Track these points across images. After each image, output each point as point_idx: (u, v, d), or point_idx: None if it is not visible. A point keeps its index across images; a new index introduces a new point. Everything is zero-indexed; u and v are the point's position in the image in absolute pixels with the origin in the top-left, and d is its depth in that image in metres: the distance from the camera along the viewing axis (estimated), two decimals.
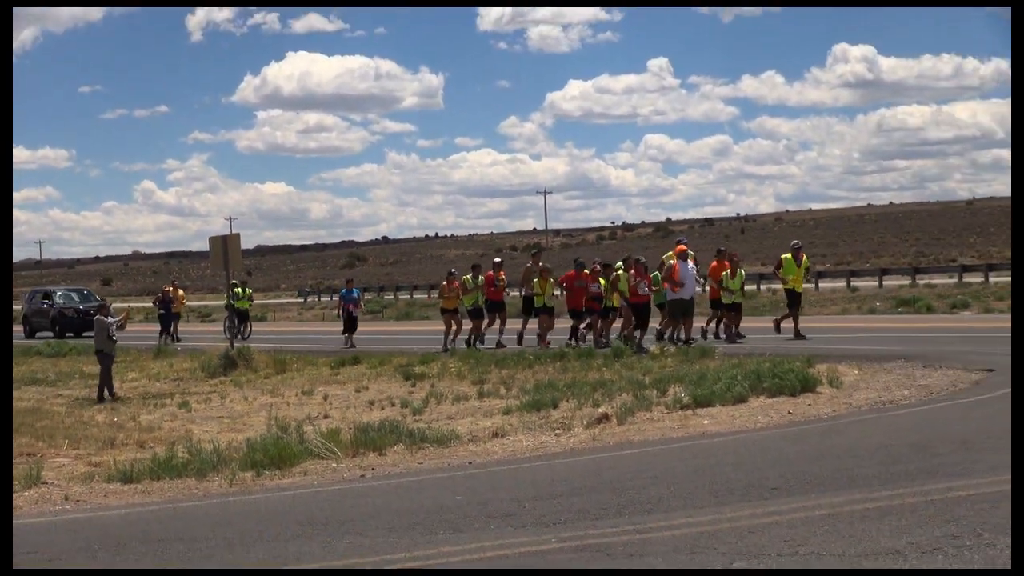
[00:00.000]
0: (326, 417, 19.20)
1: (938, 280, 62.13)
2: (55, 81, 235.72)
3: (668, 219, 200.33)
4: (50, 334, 51.62)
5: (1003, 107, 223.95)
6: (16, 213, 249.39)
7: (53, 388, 28.78)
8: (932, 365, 21.01)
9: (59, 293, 59.25)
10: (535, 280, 31.09)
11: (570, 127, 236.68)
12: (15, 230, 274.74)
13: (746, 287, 34.01)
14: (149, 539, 10.21)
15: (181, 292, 46.67)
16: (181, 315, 46.11)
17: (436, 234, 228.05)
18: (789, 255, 30.97)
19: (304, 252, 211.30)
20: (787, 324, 30.64)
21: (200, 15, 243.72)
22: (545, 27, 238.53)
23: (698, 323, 30.36)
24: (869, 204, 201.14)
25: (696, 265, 30.41)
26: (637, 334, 28.49)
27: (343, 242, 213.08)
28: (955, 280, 60.91)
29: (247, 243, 50.46)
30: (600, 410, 16.97)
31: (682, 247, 29.60)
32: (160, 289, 49.38)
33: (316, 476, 13.33)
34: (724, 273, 29.95)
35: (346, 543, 9.49)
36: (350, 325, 38.04)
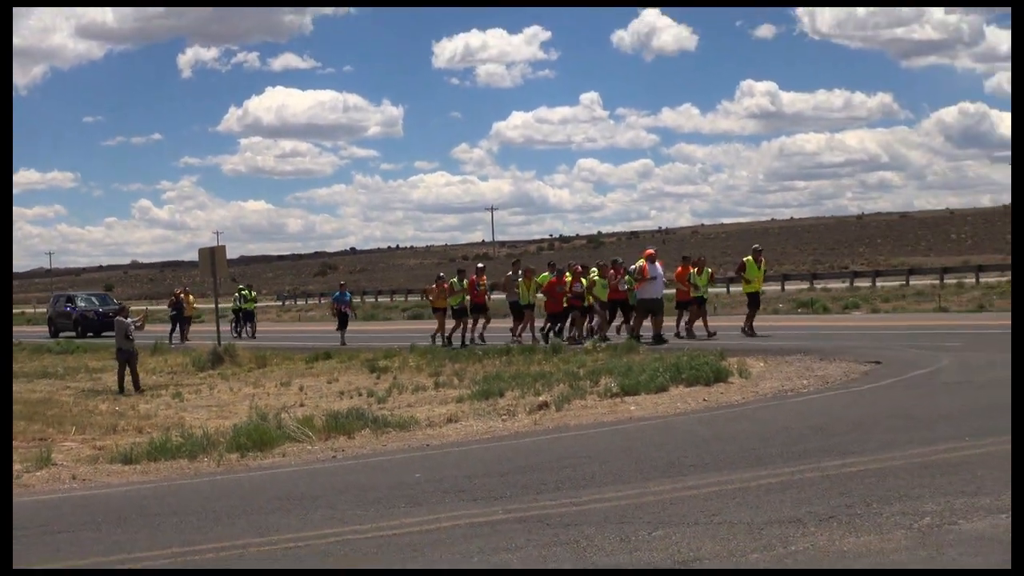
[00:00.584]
0: (301, 405, 19.18)
1: (832, 285, 62.41)
2: (62, 112, 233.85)
3: (599, 232, 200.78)
4: (72, 334, 50.84)
5: (887, 135, 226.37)
6: (28, 228, 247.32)
7: (62, 381, 28.61)
8: (828, 358, 21.13)
9: (81, 297, 58.44)
10: (519, 281, 30.69)
11: (513, 152, 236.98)
12: (28, 243, 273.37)
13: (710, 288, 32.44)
14: (147, 513, 10.20)
15: (191, 297, 46.35)
16: (192, 318, 45.59)
17: (397, 246, 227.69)
18: (751, 257, 29.79)
19: (281, 261, 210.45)
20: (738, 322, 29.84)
21: (190, 54, 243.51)
22: (491, 65, 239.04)
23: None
24: (772, 219, 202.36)
25: (662, 268, 29.13)
26: (614, 327, 28.42)
27: (316, 253, 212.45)
28: (847, 284, 61.20)
29: (232, 253, 50.46)
30: (540, 398, 17.00)
31: (651, 252, 28.69)
32: (172, 293, 48.92)
33: (293, 457, 13.31)
34: (692, 271, 28.98)
35: (319, 515, 9.50)
36: (343, 323, 37.63)
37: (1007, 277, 56.51)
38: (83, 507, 10.71)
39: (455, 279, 32.40)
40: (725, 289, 58.46)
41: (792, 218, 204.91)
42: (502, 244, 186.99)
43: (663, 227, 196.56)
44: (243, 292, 46.96)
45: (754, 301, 29.55)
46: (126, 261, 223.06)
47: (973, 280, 56.10)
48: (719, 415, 15.02)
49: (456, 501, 9.75)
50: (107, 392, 24.74)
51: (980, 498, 8.47)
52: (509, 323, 32.41)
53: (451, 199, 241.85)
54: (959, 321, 32.30)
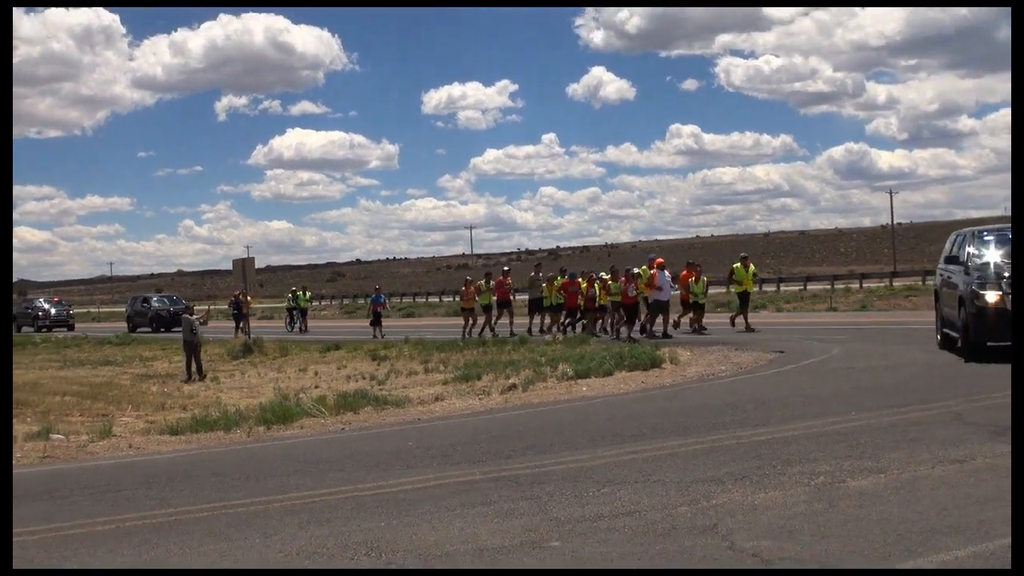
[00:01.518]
0: (316, 387, 19.10)
1: None
2: (122, 148, 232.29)
3: (557, 247, 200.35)
4: (148, 329, 50.33)
5: (788, 168, 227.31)
6: (93, 243, 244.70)
7: (120, 368, 28.45)
8: (741, 348, 21.20)
9: (155, 298, 57.47)
10: (543, 285, 29.80)
11: (487, 182, 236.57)
12: (93, 255, 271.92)
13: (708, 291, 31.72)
14: (190, 475, 10.17)
15: (249, 298, 45.93)
16: (249, 315, 44.95)
17: (394, 257, 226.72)
18: (739, 264, 28.64)
19: (300, 270, 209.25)
20: (737, 320, 28.48)
21: (224, 101, 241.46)
22: (469, 111, 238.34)
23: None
24: (697, 236, 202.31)
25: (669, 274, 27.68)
26: (626, 328, 27.06)
27: (328, 263, 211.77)
28: (757, 289, 61.30)
29: (259, 264, 50.23)
30: (510, 381, 16.99)
31: (660, 261, 27.30)
32: (232, 295, 48.37)
33: (309, 429, 13.27)
34: (691, 280, 27.99)
35: (331, 476, 9.48)
36: (377, 320, 36.90)
37: (885, 283, 57.04)
38: (138, 470, 10.67)
39: (482, 281, 31.66)
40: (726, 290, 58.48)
41: (712, 235, 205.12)
42: (478, 256, 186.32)
43: (609, 243, 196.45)
44: (297, 293, 46.34)
45: (744, 300, 28.40)
46: (172, 270, 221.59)
47: (857, 285, 56.74)
48: (654, 394, 15.04)
49: (442, 464, 9.73)
50: (157, 377, 24.61)
51: (864, 461, 8.52)
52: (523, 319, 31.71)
53: (437, 220, 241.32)
54: (846, 319, 32.53)
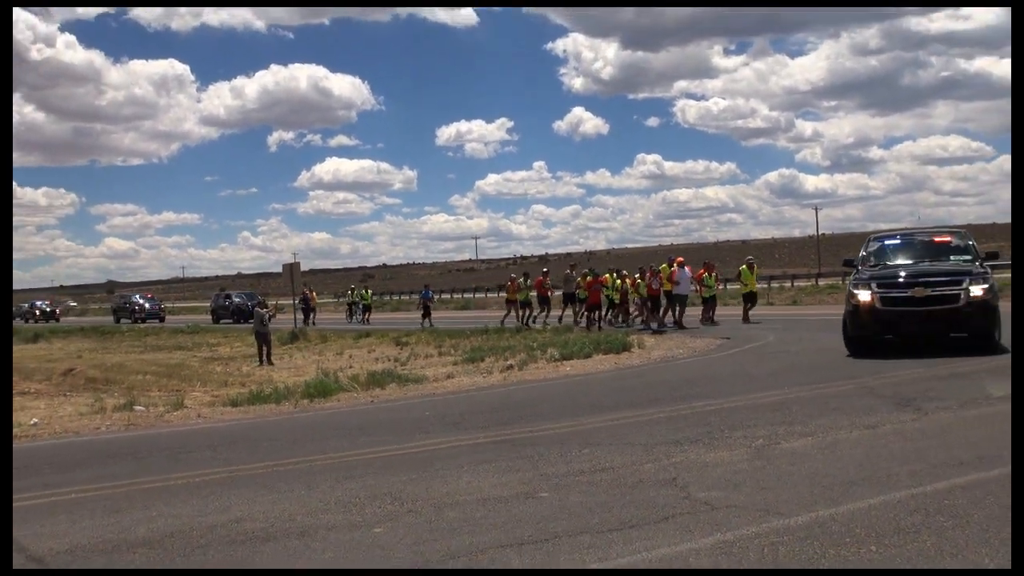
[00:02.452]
0: (350, 368, 19.09)
1: None
2: (192, 173, 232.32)
3: (546, 254, 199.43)
4: (230, 321, 49.42)
5: (733, 190, 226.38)
6: (168, 251, 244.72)
7: (191, 352, 28.39)
8: (695, 336, 21.27)
9: (235, 294, 56.00)
10: (578, 281, 28.14)
11: (489, 201, 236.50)
12: (169, 260, 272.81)
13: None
14: (248, 439, 10.18)
15: (314, 294, 45.16)
16: (316, 308, 43.83)
17: (413, 262, 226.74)
18: (745, 267, 26.94)
19: (336, 272, 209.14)
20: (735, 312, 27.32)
21: (275, 135, 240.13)
22: (474, 143, 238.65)
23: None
24: (659, 244, 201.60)
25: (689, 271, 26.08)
26: (659, 316, 25.82)
27: (360, 266, 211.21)
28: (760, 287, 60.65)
29: (304, 268, 50.34)
30: (508, 362, 17.00)
31: (680, 259, 25.99)
32: (302, 292, 47.42)
33: (344, 402, 13.25)
34: (705, 275, 26.55)
35: (363, 440, 9.48)
36: (426, 313, 35.86)
37: (812, 282, 57.08)
38: (205, 436, 10.66)
39: (522, 279, 30.65)
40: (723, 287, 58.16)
41: (672, 244, 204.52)
42: (482, 261, 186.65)
43: (588, 250, 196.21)
44: (362, 292, 45.52)
45: (750, 298, 26.72)
46: (233, 272, 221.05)
47: (790, 284, 56.87)
48: (624, 373, 15.03)
49: (452, 430, 9.74)
50: (221, 359, 24.57)
51: (795, 427, 8.53)
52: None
53: (448, 231, 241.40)
54: (781, 311, 32.48)
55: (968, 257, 14.60)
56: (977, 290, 13.22)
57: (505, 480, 7.00)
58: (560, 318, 29.77)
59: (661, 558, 4.87)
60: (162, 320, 58.45)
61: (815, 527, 5.28)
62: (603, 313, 27.67)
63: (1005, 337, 13.63)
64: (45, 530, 6.24)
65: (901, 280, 13.80)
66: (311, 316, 41.68)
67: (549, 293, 30.79)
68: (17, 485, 7.92)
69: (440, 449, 8.61)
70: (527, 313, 30.08)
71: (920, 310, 13.38)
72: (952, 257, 14.77)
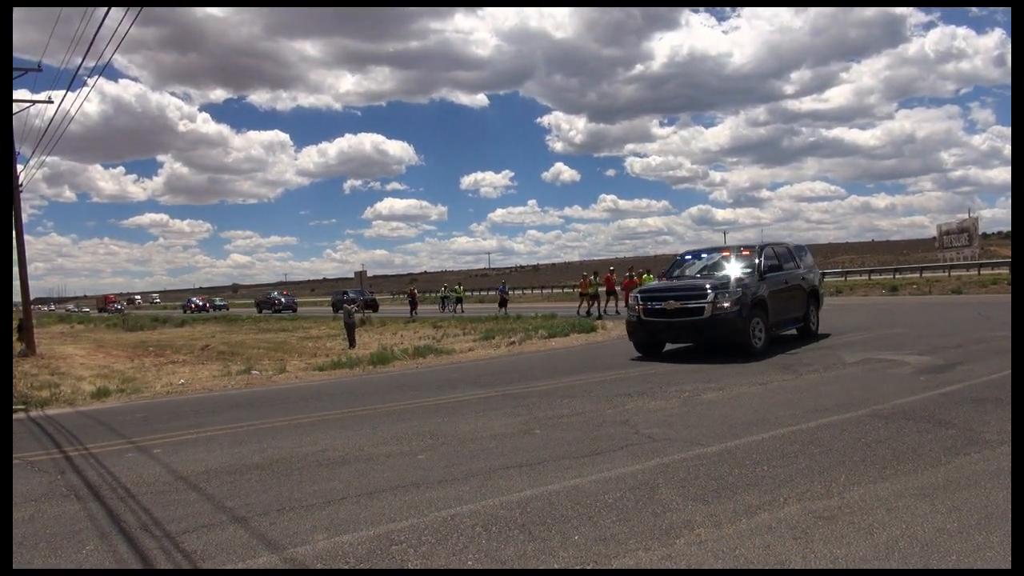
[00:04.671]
0: (402, 344, 19.01)
1: None
2: (291, 209, 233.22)
3: (536, 264, 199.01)
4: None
5: (667, 219, 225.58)
6: (274, 263, 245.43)
7: (291, 333, 28.19)
8: None
9: (351, 292, 49.23)
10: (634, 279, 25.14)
11: (497, 227, 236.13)
12: (273, 270, 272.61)
13: None
14: (331, 394, 10.10)
15: (416, 291, 42.50)
16: (418, 303, 39.44)
17: (445, 270, 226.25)
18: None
19: (391, 277, 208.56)
20: None
21: (349, 182, 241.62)
22: (487, 187, 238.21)
23: None
24: (616, 257, 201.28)
25: None
26: None
27: (408, 273, 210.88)
28: None
29: (370, 275, 50.05)
30: (511, 339, 16.93)
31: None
32: (408, 290, 44.35)
33: (398, 368, 13.16)
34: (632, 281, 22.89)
35: (410, 393, 9.41)
36: (503, 303, 32.86)
37: None
38: (300, 391, 10.60)
39: (592, 276, 27.06)
40: None
41: (625, 257, 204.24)
42: (494, 269, 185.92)
43: (566, 261, 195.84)
44: (454, 288, 42.08)
45: None
46: (320, 278, 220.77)
47: None
48: (592, 347, 14.94)
49: (473, 387, 9.69)
50: (312, 338, 24.39)
51: (711, 384, 8.49)
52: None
53: (469, 248, 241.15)
54: None
55: (748, 270, 11.75)
56: (723, 303, 10.84)
57: (509, 422, 6.97)
58: (616, 309, 26.12)
59: (619, 476, 4.86)
60: (294, 311, 53.84)
61: (725, 453, 5.27)
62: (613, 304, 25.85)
63: (942, 331, 13.52)
64: (189, 457, 6.23)
65: (660, 294, 11.57)
66: (415, 309, 38.76)
67: (617, 288, 27.33)
68: (169, 426, 7.93)
69: (464, 400, 8.57)
70: (597, 304, 26.08)
71: (672, 321, 11.25)
72: (735, 270, 11.85)
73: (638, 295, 11.93)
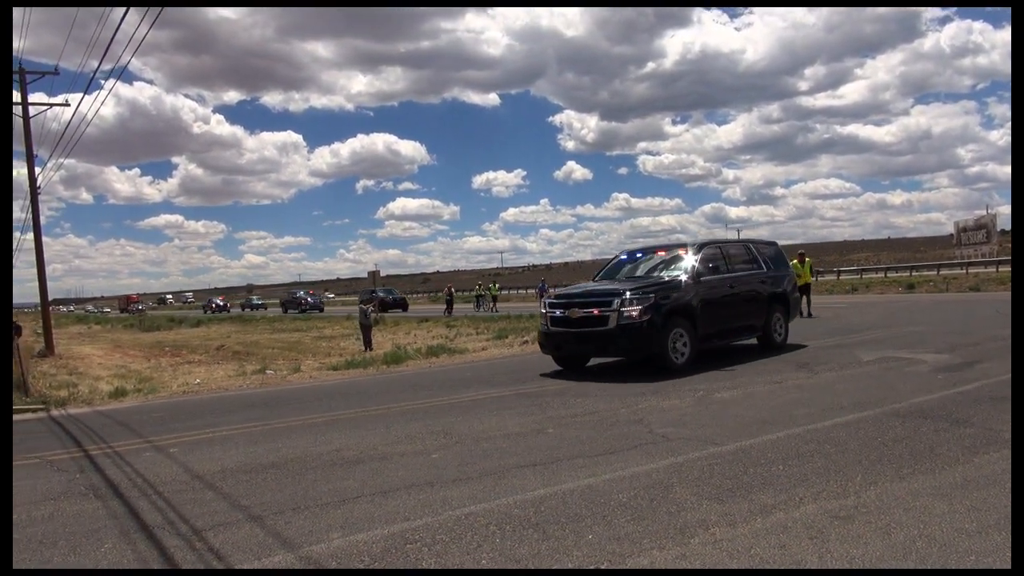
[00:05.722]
0: (415, 343, 19.05)
1: None
2: (303, 211, 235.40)
3: (549, 264, 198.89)
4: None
5: (680, 218, 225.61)
6: (289, 264, 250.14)
7: (305, 333, 28.29)
8: None
9: (380, 290, 48.26)
10: None
11: (510, 227, 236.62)
12: (287, 269, 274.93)
13: None
14: (344, 394, 10.13)
15: (453, 290, 40.14)
16: (453, 302, 38.92)
17: (458, 270, 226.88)
18: (796, 260, 18.03)
19: (404, 277, 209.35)
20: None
21: (361, 182, 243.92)
22: (499, 186, 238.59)
23: None
24: None
25: None
26: None
27: (420, 273, 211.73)
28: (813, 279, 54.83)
29: (383, 274, 49.77)
30: (524, 338, 16.85)
31: None
32: (446, 288, 41.94)
33: (411, 367, 13.18)
34: (794, 263, 17.86)
35: (423, 393, 9.42)
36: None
37: None
38: (315, 391, 10.65)
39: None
40: None
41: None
42: (507, 269, 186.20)
43: (579, 260, 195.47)
44: (489, 286, 41.16)
45: (804, 290, 17.81)
46: (334, 278, 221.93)
47: None
48: None
49: (486, 386, 9.66)
50: (326, 338, 24.49)
51: (725, 383, 8.44)
52: None
53: (482, 248, 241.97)
54: None
55: (677, 273, 10.29)
56: (631, 311, 9.36)
57: (523, 421, 6.96)
58: None
59: (633, 475, 4.85)
60: (321, 311, 51.87)
61: (740, 452, 5.24)
62: None
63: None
64: (205, 456, 6.28)
65: (566, 300, 10.18)
66: (450, 307, 37.86)
67: None
68: (185, 425, 7.99)
69: (477, 399, 8.57)
70: None
71: (575, 331, 9.81)
72: (668, 272, 10.46)
73: (547, 301, 10.59)
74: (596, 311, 9.65)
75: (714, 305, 10.30)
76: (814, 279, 28.28)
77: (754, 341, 11.75)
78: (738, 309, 10.90)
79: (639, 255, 11.61)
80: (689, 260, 10.49)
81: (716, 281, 10.53)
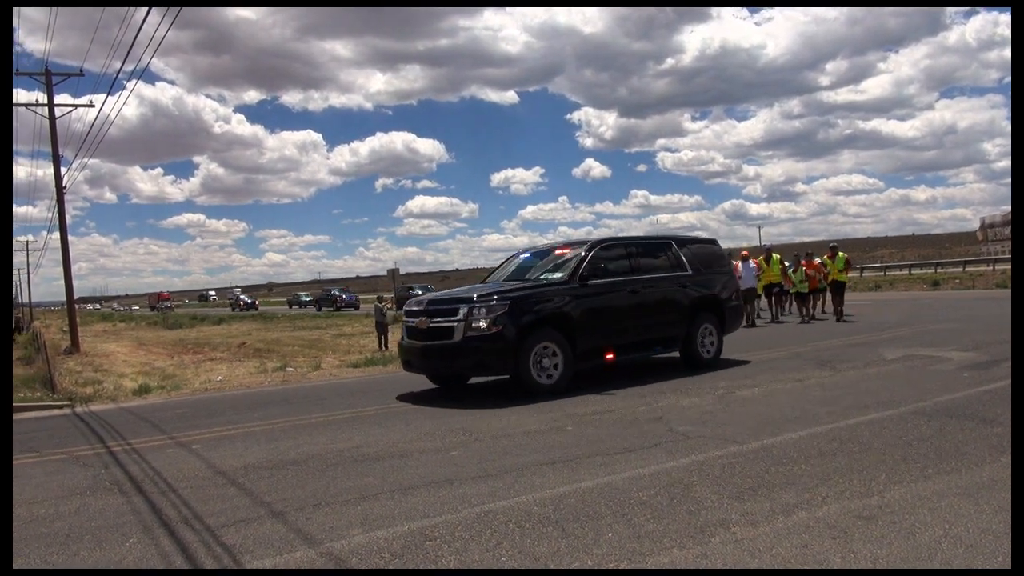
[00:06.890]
0: None
1: None
2: (323, 209, 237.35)
3: None
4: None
5: (699, 215, 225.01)
6: (309, 262, 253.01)
7: (325, 330, 28.44)
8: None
9: (416, 287, 47.96)
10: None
11: (529, 224, 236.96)
12: (308, 267, 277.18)
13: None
14: (363, 391, 10.14)
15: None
16: None
17: (477, 267, 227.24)
18: (827, 256, 17.38)
19: (423, 275, 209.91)
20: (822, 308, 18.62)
21: (380, 181, 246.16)
22: (517, 184, 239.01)
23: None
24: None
25: (756, 265, 17.60)
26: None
27: (439, 271, 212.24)
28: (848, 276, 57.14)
29: (403, 272, 49.58)
30: None
31: (744, 252, 18.06)
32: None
33: None
34: (825, 258, 17.62)
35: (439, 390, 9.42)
36: None
37: None
38: (335, 388, 10.67)
39: (781, 261, 19.53)
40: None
41: None
42: None
43: None
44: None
45: (837, 289, 17.08)
46: (354, 275, 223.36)
47: None
48: None
49: (503, 384, 9.62)
50: (345, 336, 24.59)
51: (745, 380, 8.38)
52: None
53: (500, 246, 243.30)
54: None
55: (560, 275, 8.92)
56: (479, 322, 8.04)
57: (542, 419, 6.94)
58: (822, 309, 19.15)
59: (653, 473, 4.82)
60: (356, 308, 49.55)
61: (761, 451, 5.19)
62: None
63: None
64: (227, 453, 6.33)
65: (418, 309, 8.79)
66: None
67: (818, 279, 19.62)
68: (208, 422, 8.08)
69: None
70: (800, 304, 18.29)
71: (422, 344, 8.50)
72: (548, 275, 9.13)
73: (404, 309, 9.31)
74: (442, 321, 8.28)
75: (605, 314, 8.78)
76: (853, 274, 26.43)
77: (676, 354, 10.04)
78: (645, 319, 9.21)
79: (537, 254, 10.09)
80: (574, 261, 8.99)
81: (608, 285, 8.95)
